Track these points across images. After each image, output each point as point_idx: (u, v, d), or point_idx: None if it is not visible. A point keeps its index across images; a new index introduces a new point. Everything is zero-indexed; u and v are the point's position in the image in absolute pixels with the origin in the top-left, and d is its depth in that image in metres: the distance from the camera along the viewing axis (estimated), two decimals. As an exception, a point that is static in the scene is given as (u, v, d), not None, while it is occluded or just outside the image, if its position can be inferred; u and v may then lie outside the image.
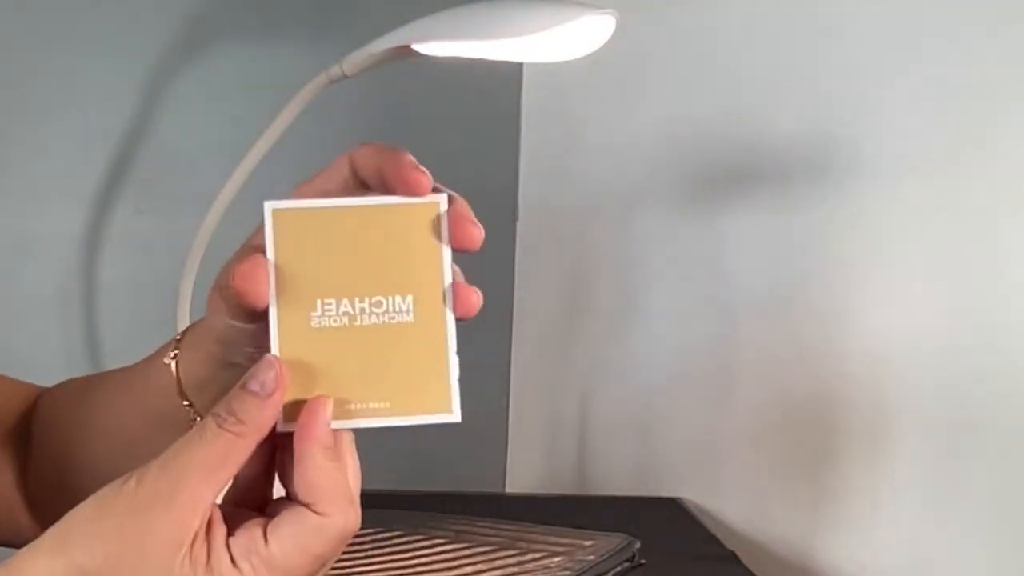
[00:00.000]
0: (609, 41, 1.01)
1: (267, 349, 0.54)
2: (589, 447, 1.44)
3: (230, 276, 0.54)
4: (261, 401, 0.53)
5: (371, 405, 0.54)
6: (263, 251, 0.55)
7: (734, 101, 1.37)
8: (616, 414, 1.44)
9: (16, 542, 0.53)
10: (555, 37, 0.97)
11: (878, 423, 1.34)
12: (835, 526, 1.36)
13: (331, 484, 0.53)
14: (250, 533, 0.52)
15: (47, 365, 1.30)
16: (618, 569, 1.07)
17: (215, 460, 0.52)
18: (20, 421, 0.76)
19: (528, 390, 1.47)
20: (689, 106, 1.39)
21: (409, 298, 0.55)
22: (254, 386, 0.53)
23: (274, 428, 0.53)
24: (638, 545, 1.10)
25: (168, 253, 1.22)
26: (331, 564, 0.54)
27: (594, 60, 1.03)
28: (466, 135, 1.43)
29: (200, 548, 0.51)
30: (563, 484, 1.45)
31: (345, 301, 0.55)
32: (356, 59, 1.04)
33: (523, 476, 1.47)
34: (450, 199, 0.56)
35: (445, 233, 0.55)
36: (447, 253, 0.55)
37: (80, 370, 1.33)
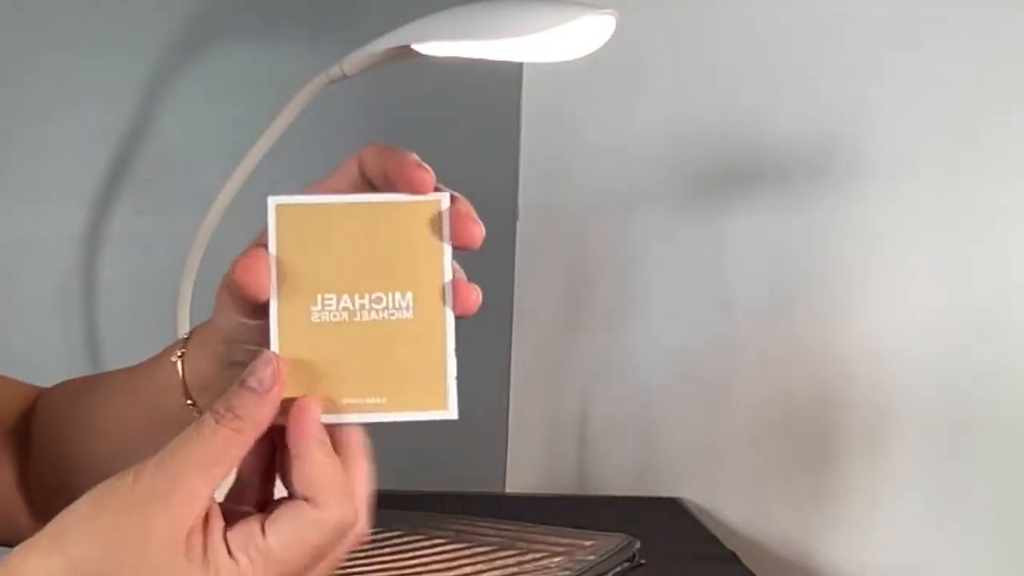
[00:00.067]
0: (609, 41, 1.01)
1: (268, 346, 0.55)
2: (589, 447, 1.44)
3: (231, 268, 0.55)
4: (259, 397, 0.53)
5: (368, 400, 0.55)
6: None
7: (734, 101, 1.37)
8: (616, 414, 1.44)
9: (15, 542, 0.53)
10: (555, 37, 0.97)
11: (878, 423, 1.34)
12: (835, 526, 1.36)
13: (327, 478, 0.53)
14: (248, 527, 0.52)
15: (47, 365, 1.30)
16: (618, 569, 1.07)
17: (212, 456, 0.52)
18: (20, 421, 0.76)
19: (528, 390, 1.47)
20: (689, 106, 1.39)
21: (409, 295, 0.55)
22: (252, 383, 0.53)
23: (272, 424, 0.53)
24: (638, 545, 1.10)
25: (168, 253, 1.22)
26: (334, 559, 0.54)
27: (594, 60, 1.03)
28: (466, 135, 1.43)
29: (196, 542, 0.51)
30: (563, 484, 1.45)
31: (345, 297, 0.55)
32: (356, 59, 1.04)
33: (523, 476, 1.47)
34: (452, 198, 0.56)
35: (446, 231, 0.55)
36: (447, 251, 0.55)
37: (80, 370, 1.33)
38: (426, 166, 0.56)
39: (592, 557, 1.06)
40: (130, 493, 0.52)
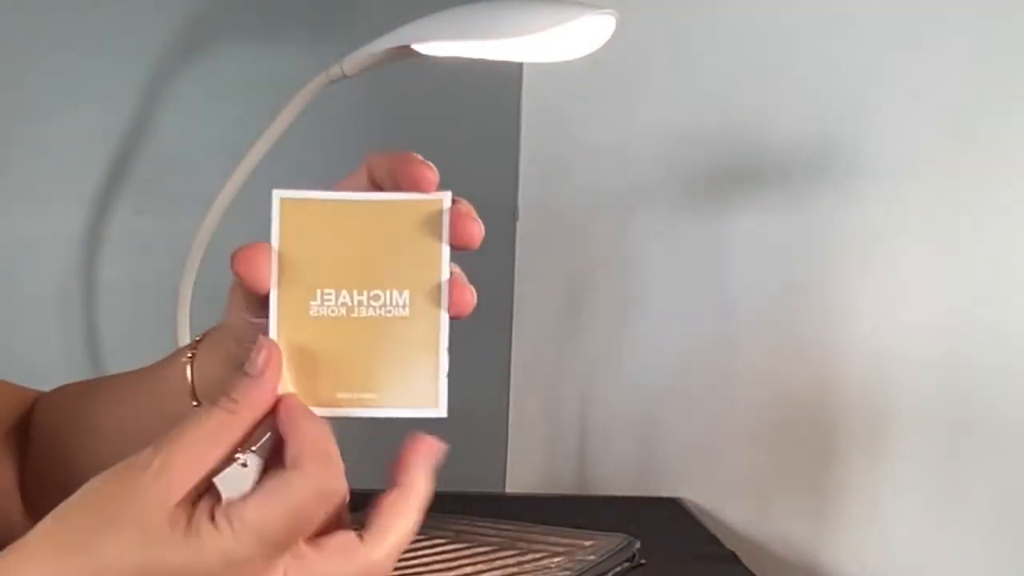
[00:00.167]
0: (609, 41, 1.01)
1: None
2: (589, 447, 1.44)
3: (231, 260, 0.56)
4: (253, 380, 0.54)
5: (362, 395, 0.55)
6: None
7: (734, 101, 1.37)
8: (616, 414, 1.44)
9: (8, 543, 0.53)
10: (555, 37, 0.97)
11: (878, 423, 1.34)
12: (835, 526, 1.36)
13: (311, 443, 0.53)
14: (236, 501, 0.53)
15: (47, 365, 1.31)
16: (618, 569, 1.07)
17: (207, 437, 0.53)
18: (18, 424, 0.76)
19: (528, 390, 1.47)
20: (689, 106, 1.39)
21: (406, 293, 0.56)
22: (246, 367, 0.54)
23: (271, 411, 0.54)
24: (638, 545, 1.10)
25: (168, 253, 1.22)
26: (311, 525, 0.53)
27: (594, 60, 1.03)
28: (466, 135, 1.43)
29: (181, 513, 0.52)
30: (563, 484, 1.45)
31: (344, 292, 0.56)
32: (356, 59, 1.04)
33: (523, 476, 1.47)
34: (453, 199, 0.56)
35: (446, 230, 0.56)
36: (446, 250, 0.56)
37: (80, 370, 1.33)
38: (430, 164, 0.56)
39: (592, 557, 1.06)
40: (122, 469, 0.53)
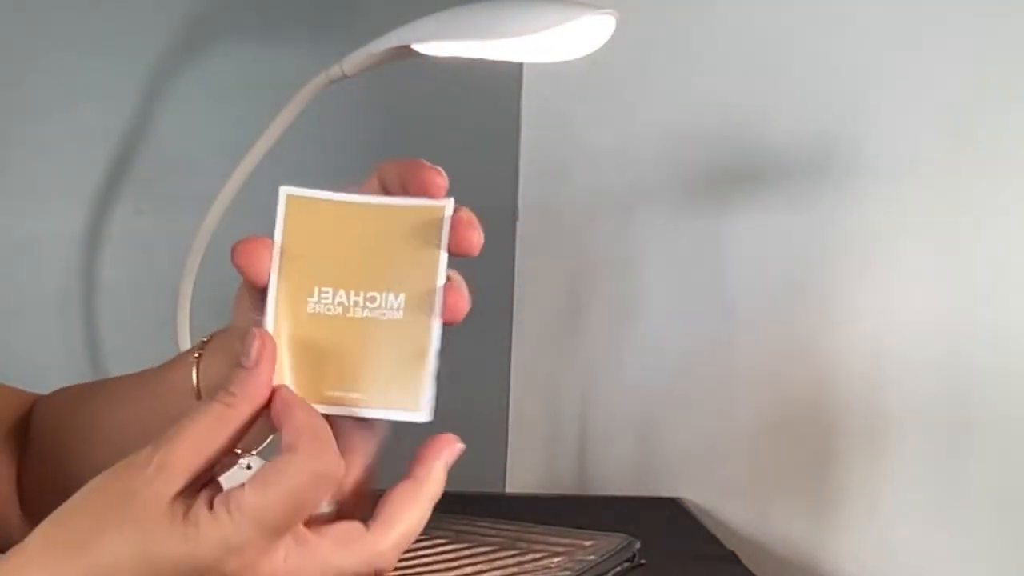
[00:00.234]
0: (609, 41, 1.01)
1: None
2: (589, 447, 1.44)
3: (231, 252, 0.56)
4: (248, 372, 0.54)
5: (349, 394, 0.56)
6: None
7: (734, 101, 1.37)
8: (616, 414, 1.44)
9: (6, 548, 0.53)
10: (555, 37, 0.97)
11: (878, 423, 1.34)
12: (835, 526, 1.36)
13: (306, 426, 0.53)
14: (234, 489, 0.53)
15: (47, 365, 1.31)
16: (618, 569, 1.07)
17: (204, 430, 0.53)
18: (16, 426, 0.76)
19: (528, 390, 1.47)
20: (689, 106, 1.39)
21: (401, 296, 0.56)
22: (241, 358, 0.54)
23: (267, 402, 0.54)
24: (638, 545, 1.10)
25: (168, 253, 1.22)
26: (309, 508, 0.53)
27: (594, 60, 1.03)
28: (466, 135, 1.43)
29: (180, 503, 0.52)
30: (563, 484, 1.45)
31: (341, 292, 0.56)
32: (356, 59, 1.04)
33: (523, 476, 1.47)
34: (456, 207, 0.57)
35: (445, 237, 0.56)
36: (443, 257, 0.56)
37: (80, 370, 1.33)
38: (439, 169, 0.57)
39: (592, 557, 1.06)
40: (121, 468, 0.53)
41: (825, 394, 1.35)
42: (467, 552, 1.07)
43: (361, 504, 0.56)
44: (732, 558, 1.19)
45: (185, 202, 1.24)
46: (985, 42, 1.29)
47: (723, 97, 1.38)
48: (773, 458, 1.38)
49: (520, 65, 1.41)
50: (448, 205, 0.57)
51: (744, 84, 1.37)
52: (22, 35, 1.29)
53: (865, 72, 1.33)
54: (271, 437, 0.60)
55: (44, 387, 0.79)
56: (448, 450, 0.56)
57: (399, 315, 0.56)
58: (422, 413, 0.55)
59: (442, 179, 0.57)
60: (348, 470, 0.55)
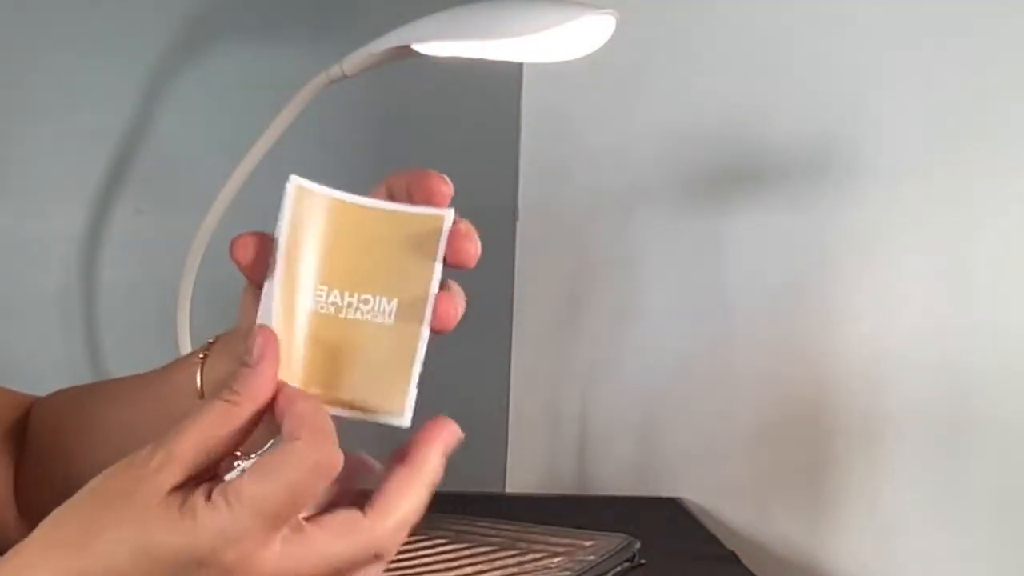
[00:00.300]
0: (609, 41, 1.01)
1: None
2: (589, 447, 1.44)
3: (230, 247, 0.56)
4: (251, 370, 0.54)
5: (333, 394, 0.56)
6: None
7: (734, 101, 1.37)
8: (616, 414, 1.44)
9: (4, 549, 0.53)
10: (555, 37, 0.97)
11: (878, 423, 1.34)
12: (835, 526, 1.36)
13: (304, 416, 0.53)
14: (233, 479, 0.53)
15: (47, 365, 1.31)
16: (618, 569, 1.07)
17: (207, 427, 0.53)
18: (14, 428, 0.76)
19: (528, 390, 1.47)
20: (689, 106, 1.39)
21: (394, 301, 0.57)
22: (243, 356, 0.55)
23: (271, 400, 0.54)
24: (638, 545, 1.10)
25: (168, 253, 1.22)
26: (308, 498, 0.53)
27: (594, 60, 1.03)
28: (466, 135, 1.43)
29: (177, 495, 0.52)
30: (563, 484, 1.45)
31: (336, 292, 0.57)
32: (356, 59, 1.04)
33: (523, 476, 1.47)
34: (456, 218, 0.57)
35: (442, 247, 0.57)
36: (438, 267, 0.57)
37: (80, 370, 1.33)
38: (445, 178, 0.57)
39: (592, 557, 1.06)
40: (122, 467, 0.53)
41: (825, 394, 1.35)
42: (467, 552, 1.07)
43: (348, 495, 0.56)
44: (732, 558, 1.19)
45: (185, 202, 1.24)
46: (985, 42, 1.29)
47: (723, 97, 1.38)
48: (773, 458, 1.38)
49: (520, 65, 1.41)
50: (448, 216, 0.57)
51: (744, 84, 1.37)
52: (22, 35, 1.29)
53: (865, 72, 1.33)
54: (272, 441, 0.60)
55: (44, 387, 0.79)
56: (444, 434, 0.56)
57: (390, 320, 0.56)
58: (403, 419, 0.56)
59: (447, 188, 0.57)
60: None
